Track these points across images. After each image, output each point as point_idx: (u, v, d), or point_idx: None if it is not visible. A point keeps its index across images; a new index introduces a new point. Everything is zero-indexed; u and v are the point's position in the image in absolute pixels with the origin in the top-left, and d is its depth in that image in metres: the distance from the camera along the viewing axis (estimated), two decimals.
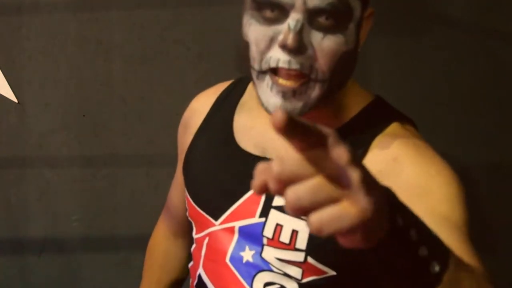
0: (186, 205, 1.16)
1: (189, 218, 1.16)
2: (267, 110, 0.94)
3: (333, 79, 0.93)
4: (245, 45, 0.95)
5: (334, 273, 0.98)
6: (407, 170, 0.93)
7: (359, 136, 0.98)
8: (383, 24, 1.79)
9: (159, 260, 1.37)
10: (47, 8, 1.83)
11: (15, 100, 1.86)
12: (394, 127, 1.00)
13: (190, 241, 1.22)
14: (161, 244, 1.37)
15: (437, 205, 0.91)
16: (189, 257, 1.22)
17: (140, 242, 1.49)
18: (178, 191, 1.28)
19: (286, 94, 0.92)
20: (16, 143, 1.88)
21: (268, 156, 1.03)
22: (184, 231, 1.30)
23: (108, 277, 1.91)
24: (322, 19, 0.90)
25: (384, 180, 0.77)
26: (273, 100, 0.93)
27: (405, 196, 0.71)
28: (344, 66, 0.94)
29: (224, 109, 1.13)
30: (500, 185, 1.82)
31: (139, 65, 1.84)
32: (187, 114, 1.23)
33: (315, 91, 0.93)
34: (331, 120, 1.00)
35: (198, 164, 1.13)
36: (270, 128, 1.03)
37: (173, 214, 1.33)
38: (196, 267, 1.13)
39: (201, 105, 1.18)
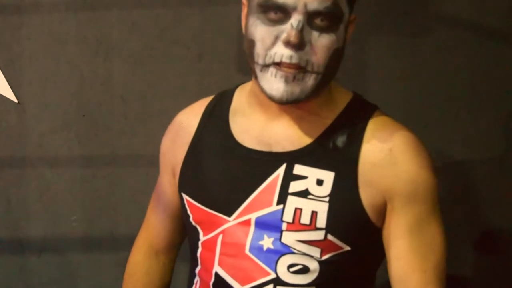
0: (189, 212, 1.21)
1: (194, 223, 1.21)
2: (270, 95, 1.08)
3: (325, 72, 1.08)
4: (250, 43, 1.09)
5: (349, 248, 1.11)
6: (401, 161, 1.12)
7: (352, 129, 1.14)
8: (383, 24, 1.79)
9: (142, 279, 1.37)
10: (47, 7, 1.83)
11: (15, 100, 1.86)
12: (377, 115, 1.16)
13: (172, 257, 1.38)
14: (143, 263, 1.38)
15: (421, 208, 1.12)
16: (170, 272, 1.38)
17: None
18: (175, 196, 1.30)
19: (288, 79, 1.06)
20: (16, 143, 1.88)
21: (273, 150, 1.14)
22: (166, 247, 1.37)
23: (108, 277, 1.91)
24: (318, 20, 1.05)
25: (383, 169, 1.10)
26: (277, 85, 1.07)
27: (397, 186, 1.09)
28: (334, 60, 1.09)
29: (216, 119, 1.23)
30: (499, 184, 1.82)
31: (139, 65, 1.84)
32: (173, 128, 1.29)
33: (310, 81, 1.07)
34: (323, 112, 1.15)
35: (202, 170, 1.20)
36: (269, 124, 1.15)
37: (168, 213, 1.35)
38: (209, 266, 1.18)
39: (188, 119, 1.26)
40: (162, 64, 1.83)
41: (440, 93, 1.80)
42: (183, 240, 1.38)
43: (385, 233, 1.14)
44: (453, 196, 1.82)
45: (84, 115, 1.86)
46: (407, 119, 1.81)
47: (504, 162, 1.81)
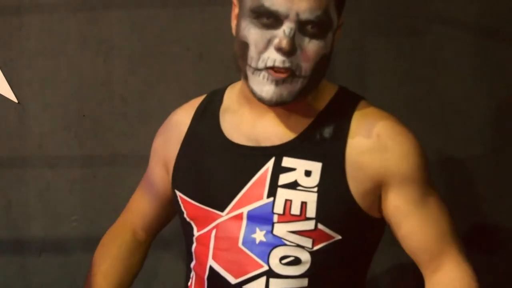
0: (183, 209, 1.25)
1: (188, 220, 1.24)
2: (260, 96, 1.12)
3: (312, 76, 1.12)
4: (243, 46, 1.12)
5: (340, 237, 1.15)
6: (390, 145, 1.16)
7: (338, 120, 1.18)
8: (383, 24, 1.79)
9: (112, 250, 1.37)
10: (47, 8, 1.83)
11: (15, 100, 1.86)
12: (362, 105, 1.20)
13: (149, 241, 1.40)
14: (117, 235, 1.39)
15: (414, 189, 1.17)
16: (142, 254, 1.38)
17: None
18: (165, 189, 1.34)
19: (278, 82, 1.11)
20: (16, 143, 1.88)
21: (262, 145, 1.18)
22: (148, 230, 1.39)
23: None
24: (309, 27, 1.10)
25: (372, 155, 1.14)
26: (267, 87, 1.11)
27: (391, 170, 1.14)
28: (321, 65, 1.13)
29: (207, 118, 1.27)
30: (498, 183, 1.82)
31: (139, 65, 1.84)
32: (166, 126, 1.35)
33: (298, 84, 1.12)
34: (310, 107, 1.19)
35: (195, 168, 1.24)
36: (258, 121, 1.18)
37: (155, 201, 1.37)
38: (203, 261, 1.21)
39: (181, 118, 1.31)
40: (162, 64, 1.83)
41: (440, 93, 1.80)
42: (163, 227, 1.41)
43: (388, 215, 1.18)
44: (451, 194, 1.82)
45: (84, 115, 1.86)
46: (407, 119, 1.81)
47: (503, 161, 1.81)
